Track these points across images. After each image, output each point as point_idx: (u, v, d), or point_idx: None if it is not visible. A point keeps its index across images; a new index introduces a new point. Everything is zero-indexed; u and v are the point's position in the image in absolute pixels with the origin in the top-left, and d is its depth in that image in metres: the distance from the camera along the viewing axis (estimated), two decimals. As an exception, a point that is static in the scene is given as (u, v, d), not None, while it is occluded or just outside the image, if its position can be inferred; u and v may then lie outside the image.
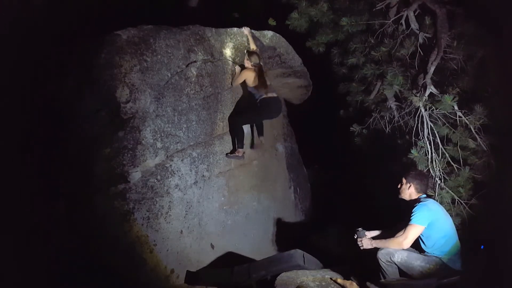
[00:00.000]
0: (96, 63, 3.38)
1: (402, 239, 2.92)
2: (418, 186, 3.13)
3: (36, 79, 3.43)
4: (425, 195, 3.16)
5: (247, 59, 4.13)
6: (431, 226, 2.91)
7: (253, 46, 4.26)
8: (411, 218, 2.93)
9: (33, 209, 3.16)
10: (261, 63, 4.18)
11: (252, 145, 4.55)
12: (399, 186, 3.21)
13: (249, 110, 4.27)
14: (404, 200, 3.19)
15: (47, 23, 3.49)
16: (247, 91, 4.34)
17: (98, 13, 4.25)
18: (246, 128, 4.43)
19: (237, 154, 4.11)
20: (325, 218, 5.63)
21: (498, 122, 3.41)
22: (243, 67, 4.22)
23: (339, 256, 4.13)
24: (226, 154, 4.16)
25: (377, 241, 3.05)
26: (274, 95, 4.19)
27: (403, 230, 2.98)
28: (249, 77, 4.09)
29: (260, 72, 4.10)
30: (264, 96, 4.09)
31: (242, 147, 4.13)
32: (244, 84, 4.29)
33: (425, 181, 3.22)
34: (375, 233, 3.30)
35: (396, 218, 3.29)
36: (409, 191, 3.13)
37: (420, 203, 3.01)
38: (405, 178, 3.18)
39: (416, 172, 3.27)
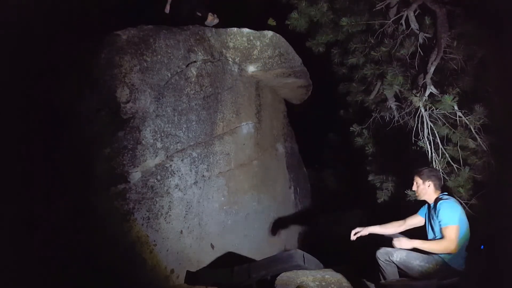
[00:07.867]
0: (96, 63, 3.38)
1: (447, 243, 2.73)
2: (437, 182, 2.98)
3: (36, 79, 3.43)
4: (446, 193, 3.01)
5: None
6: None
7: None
8: (443, 219, 2.77)
9: (33, 209, 3.16)
10: None
11: None
12: (415, 188, 3.03)
13: None
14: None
15: (47, 23, 3.49)
16: None
17: (98, 13, 4.25)
18: None
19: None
20: (325, 218, 5.63)
21: (498, 122, 3.40)
22: None
23: (339, 256, 4.13)
24: None
25: (417, 241, 2.79)
26: None
27: (440, 234, 2.82)
28: None
29: None
30: None
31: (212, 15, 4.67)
32: None
33: (440, 175, 3.12)
34: (374, 228, 3.17)
35: (396, 217, 3.28)
36: (429, 190, 2.97)
37: (445, 201, 2.86)
38: (420, 178, 2.98)
39: (429, 168, 3.10)
